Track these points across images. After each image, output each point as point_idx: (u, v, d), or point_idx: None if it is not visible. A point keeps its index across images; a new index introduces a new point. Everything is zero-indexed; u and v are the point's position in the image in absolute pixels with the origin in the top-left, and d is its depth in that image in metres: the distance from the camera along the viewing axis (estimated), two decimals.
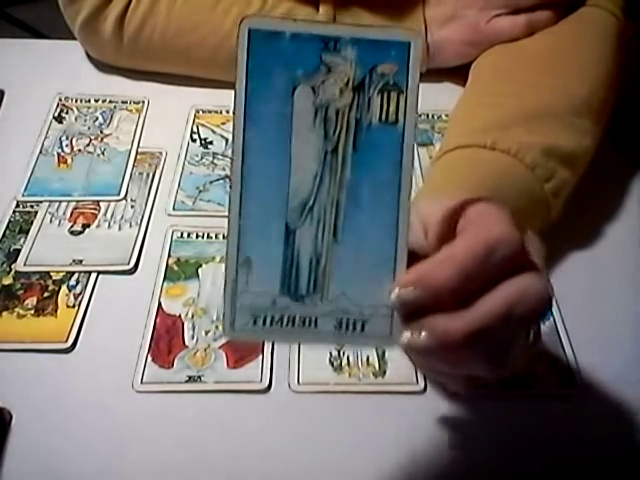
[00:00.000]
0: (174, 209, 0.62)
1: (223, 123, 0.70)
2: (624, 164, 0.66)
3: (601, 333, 0.53)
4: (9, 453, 0.45)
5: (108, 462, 0.45)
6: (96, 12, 0.71)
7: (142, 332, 0.52)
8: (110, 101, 0.72)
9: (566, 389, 0.50)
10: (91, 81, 0.75)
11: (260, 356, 0.51)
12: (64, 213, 0.61)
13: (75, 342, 0.51)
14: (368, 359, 0.51)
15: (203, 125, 0.70)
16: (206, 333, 0.52)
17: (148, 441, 0.47)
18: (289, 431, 0.47)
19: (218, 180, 0.64)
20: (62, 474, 0.45)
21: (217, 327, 0.52)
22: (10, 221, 0.60)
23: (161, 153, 0.67)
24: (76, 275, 0.56)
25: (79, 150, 0.67)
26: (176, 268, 0.57)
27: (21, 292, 0.54)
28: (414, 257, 0.36)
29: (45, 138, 0.68)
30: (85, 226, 0.60)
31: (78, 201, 0.62)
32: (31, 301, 0.54)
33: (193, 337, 0.52)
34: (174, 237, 0.59)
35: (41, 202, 0.62)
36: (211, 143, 0.68)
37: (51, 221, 0.60)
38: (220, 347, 0.51)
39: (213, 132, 0.69)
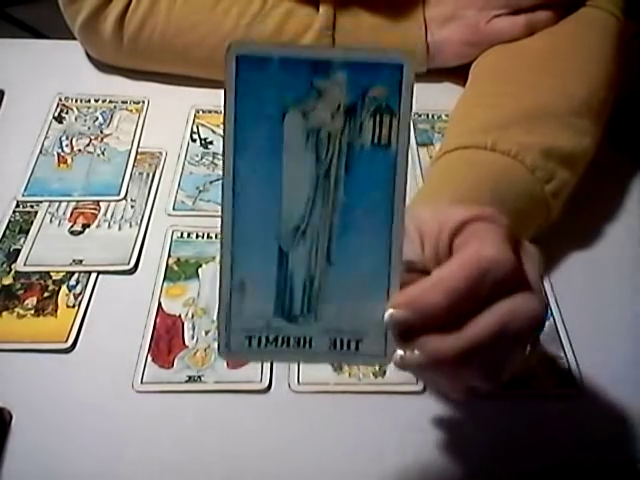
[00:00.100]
0: (174, 209, 0.62)
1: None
2: (623, 164, 0.66)
3: (600, 333, 0.53)
4: (9, 453, 0.45)
5: (108, 461, 0.46)
6: (96, 12, 0.70)
7: (142, 332, 0.52)
8: (110, 101, 0.72)
9: (564, 389, 0.50)
10: (91, 81, 0.75)
11: None
12: (64, 213, 0.61)
13: (75, 342, 0.52)
14: None
15: (203, 125, 0.70)
16: (206, 333, 0.52)
17: (148, 441, 0.47)
18: (289, 431, 0.47)
19: (218, 180, 0.64)
20: (62, 473, 0.45)
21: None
22: (10, 221, 0.60)
23: (161, 153, 0.67)
24: (76, 275, 0.56)
25: (79, 150, 0.67)
26: (176, 268, 0.57)
27: (21, 292, 0.55)
28: (411, 270, 0.36)
29: (45, 138, 0.68)
30: (85, 226, 0.60)
31: (78, 201, 0.62)
32: (31, 301, 0.54)
33: (193, 337, 0.52)
34: (174, 237, 0.59)
35: (41, 202, 0.62)
36: (211, 143, 0.68)
37: (51, 221, 0.60)
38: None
39: (213, 132, 0.69)
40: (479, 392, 0.40)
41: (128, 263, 0.57)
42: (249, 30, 0.69)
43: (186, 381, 0.49)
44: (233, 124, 0.33)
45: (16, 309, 0.53)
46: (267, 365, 0.50)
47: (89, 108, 0.72)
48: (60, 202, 0.62)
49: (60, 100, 0.72)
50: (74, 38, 0.75)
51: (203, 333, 0.52)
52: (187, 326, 0.53)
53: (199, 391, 0.49)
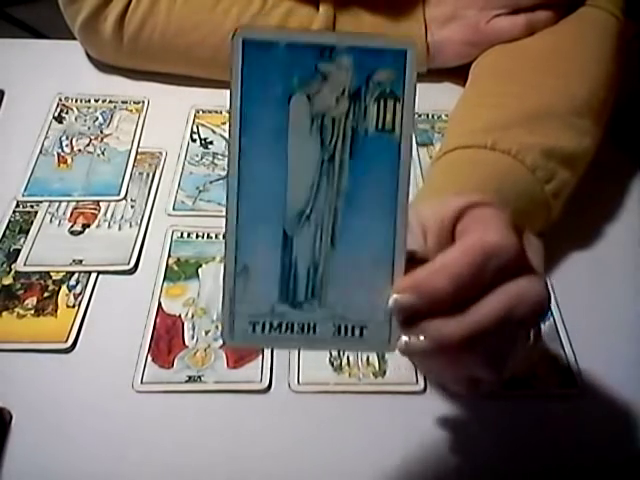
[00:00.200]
0: (174, 209, 0.62)
1: (223, 123, 0.70)
2: (624, 164, 0.66)
3: (601, 333, 0.53)
4: (9, 453, 0.45)
5: (108, 461, 0.45)
6: (96, 12, 0.70)
7: (142, 332, 0.52)
8: (110, 101, 0.72)
9: (566, 389, 0.50)
10: (91, 81, 0.75)
11: (260, 356, 0.50)
12: (64, 213, 0.61)
13: (75, 342, 0.51)
14: (368, 359, 0.51)
15: (203, 125, 0.70)
16: (206, 333, 0.52)
17: (148, 441, 0.47)
18: (289, 431, 0.47)
19: (218, 180, 0.64)
20: (62, 473, 0.45)
21: (217, 327, 0.52)
22: (10, 221, 0.60)
23: (161, 153, 0.67)
24: (76, 275, 0.56)
25: (79, 150, 0.67)
26: (176, 268, 0.57)
27: (21, 292, 0.54)
28: (413, 259, 0.36)
29: (45, 138, 0.68)
30: (85, 226, 0.60)
31: (78, 201, 0.62)
32: (31, 301, 0.54)
33: (193, 337, 0.52)
34: (174, 237, 0.59)
35: (41, 202, 0.62)
36: (211, 143, 0.68)
37: (51, 221, 0.60)
38: (220, 347, 0.51)
39: (213, 132, 0.69)
40: (481, 386, 0.40)
41: (128, 263, 0.57)
42: None
43: (186, 381, 0.49)
44: (239, 105, 0.33)
45: (16, 309, 0.53)
46: (267, 365, 0.50)
47: (89, 108, 0.71)
48: (60, 202, 0.62)
49: (60, 100, 0.72)
50: (74, 38, 0.75)
51: (203, 333, 0.52)
52: (187, 326, 0.53)
53: (199, 391, 0.49)
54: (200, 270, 0.56)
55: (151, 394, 0.49)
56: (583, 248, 0.59)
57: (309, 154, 0.34)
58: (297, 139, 0.34)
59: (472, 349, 0.36)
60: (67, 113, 0.71)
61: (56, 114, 0.70)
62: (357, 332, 0.36)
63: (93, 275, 0.56)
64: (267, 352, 0.51)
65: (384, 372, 0.50)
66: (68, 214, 0.61)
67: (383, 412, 0.48)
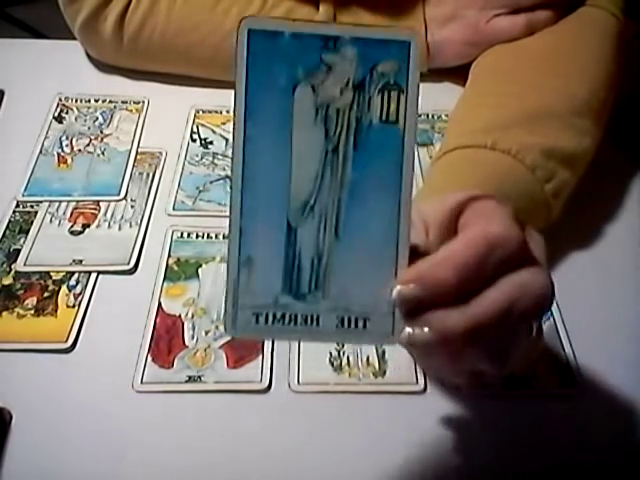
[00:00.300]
0: (174, 209, 0.62)
1: (223, 123, 0.70)
2: (624, 164, 0.66)
3: (601, 333, 0.53)
4: (9, 453, 0.45)
5: (107, 461, 0.45)
6: (96, 12, 0.71)
7: (142, 332, 0.52)
8: (110, 101, 0.72)
9: (566, 389, 0.50)
10: (91, 81, 0.75)
11: (260, 356, 0.51)
12: (64, 213, 0.61)
13: (75, 342, 0.51)
14: (368, 359, 0.51)
15: (203, 125, 0.70)
16: (206, 333, 0.52)
17: (148, 441, 0.47)
18: (289, 431, 0.47)
19: (218, 180, 0.64)
20: (62, 473, 0.45)
21: (217, 327, 0.52)
22: (10, 221, 0.60)
23: (161, 153, 0.67)
24: (76, 275, 0.56)
25: (79, 150, 0.67)
26: (176, 268, 0.57)
27: (21, 292, 0.54)
28: (416, 254, 0.36)
29: (45, 138, 0.68)
30: (85, 226, 0.60)
31: (78, 201, 0.62)
32: (31, 301, 0.54)
33: (193, 337, 0.52)
34: (174, 237, 0.59)
35: (41, 202, 0.62)
36: (211, 143, 0.68)
37: (51, 221, 0.60)
38: (220, 347, 0.51)
39: (213, 132, 0.69)
40: (482, 382, 0.40)
41: (128, 263, 0.57)
42: None
43: (186, 381, 0.49)
44: (244, 94, 0.33)
45: (16, 309, 0.53)
46: (267, 365, 0.50)
47: (89, 108, 0.71)
48: (60, 202, 0.62)
49: (60, 100, 0.72)
50: (74, 38, 0.75)
51: (203, 333, 0.52)
52: (187, 326, 0.53)
53: (199, 391, 0.49)
54: (200, 270, 0.56)
55: (151, 394, 0.49)
56: (583, 248, 0.59)
57: (313, 145, 0.34)
58: (301, 130, 0.34)
59: (475, 341, 0.36)
60: (67, 113, 0.71)
61: (56, 114, 0.71)
62: (360, 324, 0.36)
63: (93, 275, 0.56)
64: (267, 352, 0.51)
65: (384, 372, 0.50)
66: (68, 214, 0.61)
67: (383, 412, 0.48)
